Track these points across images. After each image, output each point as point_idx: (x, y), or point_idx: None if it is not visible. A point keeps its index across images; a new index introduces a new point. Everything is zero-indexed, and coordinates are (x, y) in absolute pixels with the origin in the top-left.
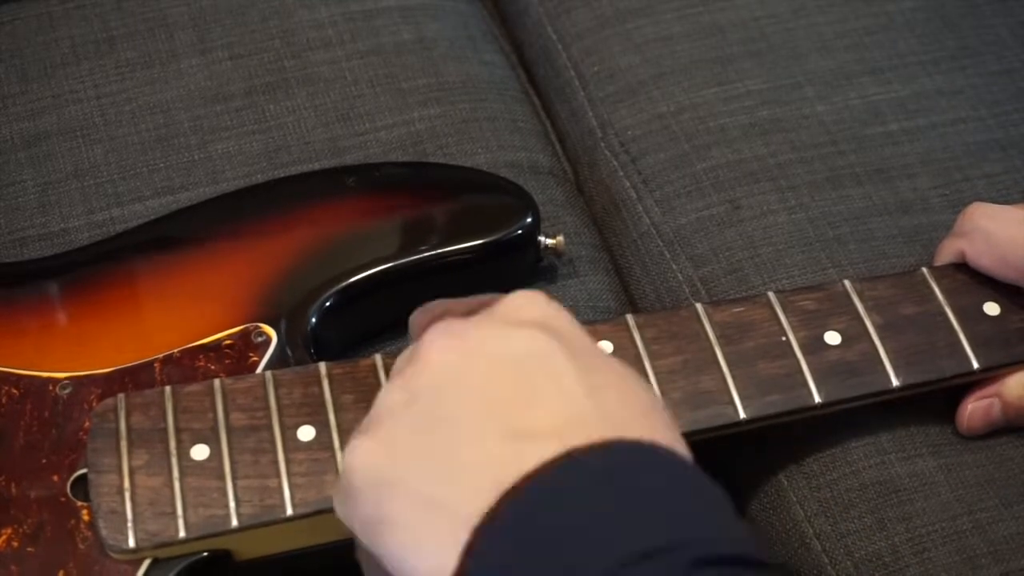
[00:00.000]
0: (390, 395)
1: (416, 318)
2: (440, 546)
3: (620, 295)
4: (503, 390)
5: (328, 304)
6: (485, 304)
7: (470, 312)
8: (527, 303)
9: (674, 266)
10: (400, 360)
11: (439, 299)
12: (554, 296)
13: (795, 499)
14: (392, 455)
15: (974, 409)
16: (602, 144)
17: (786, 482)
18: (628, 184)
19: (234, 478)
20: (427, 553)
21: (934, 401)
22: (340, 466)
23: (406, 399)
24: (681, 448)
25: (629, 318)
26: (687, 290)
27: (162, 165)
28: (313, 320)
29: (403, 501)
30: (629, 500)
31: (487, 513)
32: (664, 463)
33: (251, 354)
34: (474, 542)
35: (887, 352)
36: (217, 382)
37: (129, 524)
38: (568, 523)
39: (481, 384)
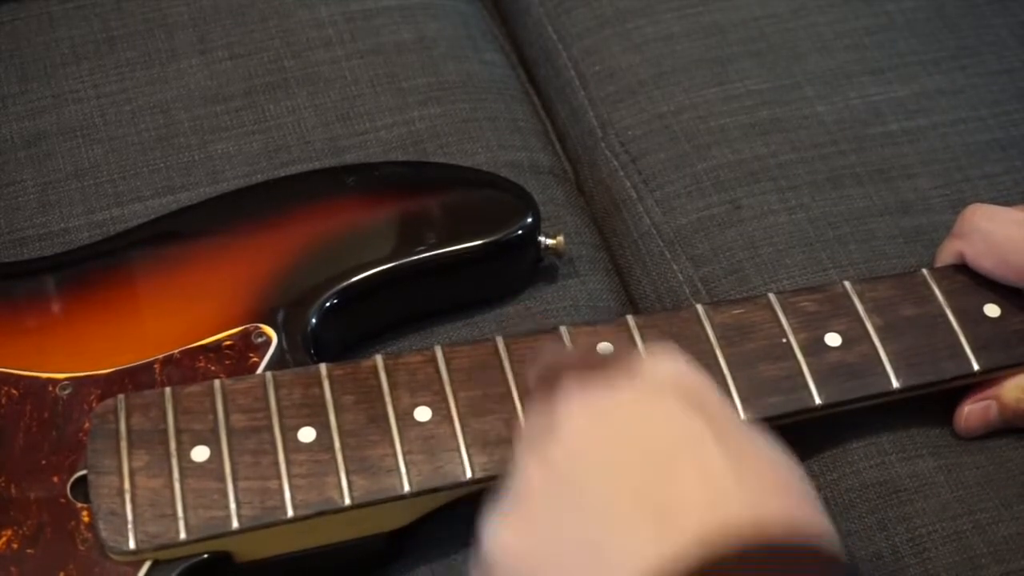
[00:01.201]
0: (529, 473)
1: (533, 374)
2: None
3: (620, 295)
4: (646, 471)
5: (328, 304)
6: (613, 362)
7: (589, 363)
8: (667, 369)
9: (674, 266)
10: (532, 424)
11: (549, 346)
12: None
13: None
14: (531, 540)
15: (971, 411)
16: (602, 144)
17: None
18: (628, 184)
19: (234, 479)
20: None
21: (934, 402)
22: (480, 545)
23: (544, 479)
24: (822, 525)
25: (630, 319)
26: (687, 290)
27: (162, 165)
28: (313, 321)
29: None
30: None
31: None
32: (808, 563)
33: (251, 355)
34: None
35: (887, 354)
36: (217, 383)
37: (129, 526)
38: None
39: (624, 467)
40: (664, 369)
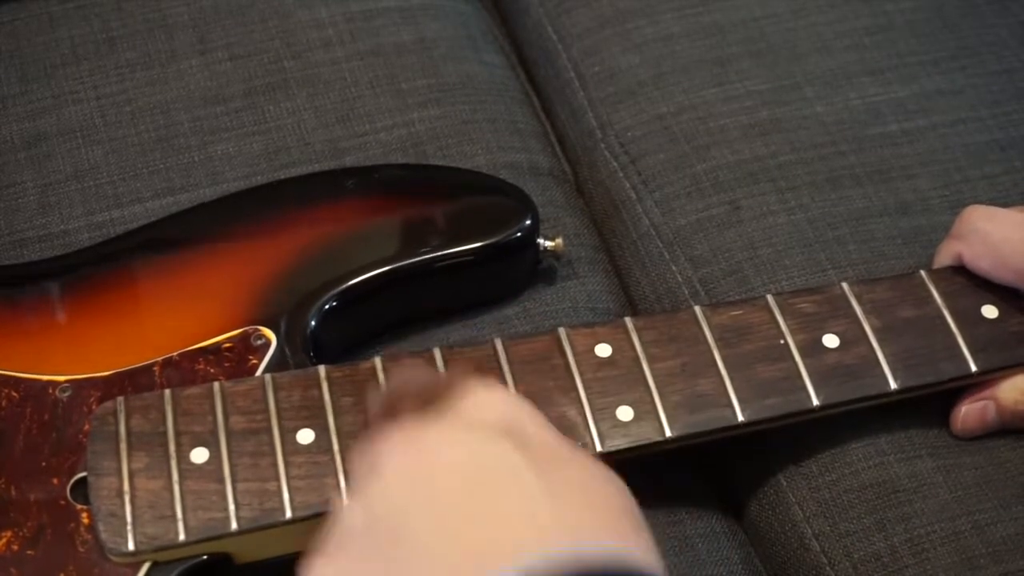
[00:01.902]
0: (350, 515)
1: (372, 400)
2: None
3: (619, 296)
4: (464, 509)
5: (327, 307)
6: (442, 393)
7: (426, 397)
8: (487, 402)
9: (673, 267)
10: (356, 463)
11: (397, 371)
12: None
13: (794, 500)
14: None
15: (968, 411)
16: (602, 145)
17: (785, 483)
18: (628, 185)
19: (233, 481)
20: None
21: (932, 403)
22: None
23: (365, 521)
24: (646, 555)
25: (628, 321)
26: (686, 291)
27: (162, 166)
28: (312, 323)
29: None
30: None
31: None
32: None
33: (250, 357)
34: None
35: (885, 355)
36: (216, 385)
37: (129, 527)
38: None
39: (440, 503)
40: (485, 403)
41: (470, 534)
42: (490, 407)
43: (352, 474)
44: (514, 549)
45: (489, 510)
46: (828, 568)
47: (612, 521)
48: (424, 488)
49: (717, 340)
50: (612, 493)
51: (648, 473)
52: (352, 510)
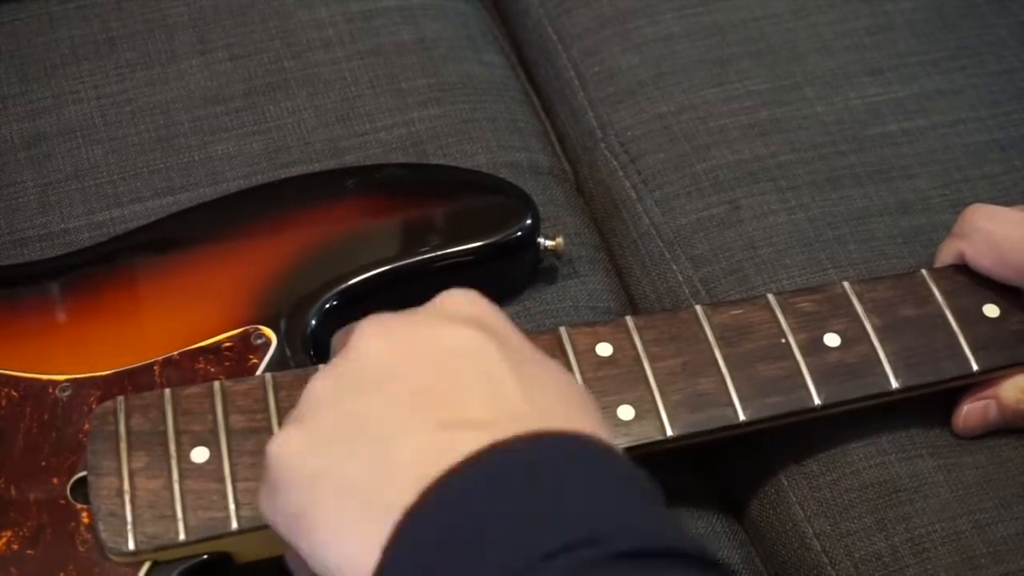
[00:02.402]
0: (319, 386)
1: (340, 335)
2: (363, 538)
3: (620, 295)
4: (434, 383)
5: (328, 306)
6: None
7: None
8: (462, 299)
9: (674, 266)
10: (336, 337)
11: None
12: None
13: (795, 499)
14: (319, 446)
15: (970, 410)
16: (602, 144)
17: (786, 482)
18: (628, 184)
19: (234, 480)
20: (349, 545)
21: (933, 402)
22: (267, 462)
23: (335, 390)
24: (601, 431)
25: (629, 320)
26: (687, 290)
27: (162, 166)
28: (313, 322)
29: (328, 493)
30: (553, 492)
31: (411, 504)
32: (591, 455)
33: (251, 356)
34: (396, 534)
35: (886, 354)
36: (217, 384)
37: (129, 527)
38: (490, 514)
39: (411, 376)
40: (458, 299)
41: (442, 407)
42: (465, 303)
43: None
44: (481, 418)
45: (462, 387)
46: (829, 567)
47: (577, 407)
48: (396, 362)
49: (718, 339)
50: (574, 386)
51: (648, 472)
52: (323, 382)
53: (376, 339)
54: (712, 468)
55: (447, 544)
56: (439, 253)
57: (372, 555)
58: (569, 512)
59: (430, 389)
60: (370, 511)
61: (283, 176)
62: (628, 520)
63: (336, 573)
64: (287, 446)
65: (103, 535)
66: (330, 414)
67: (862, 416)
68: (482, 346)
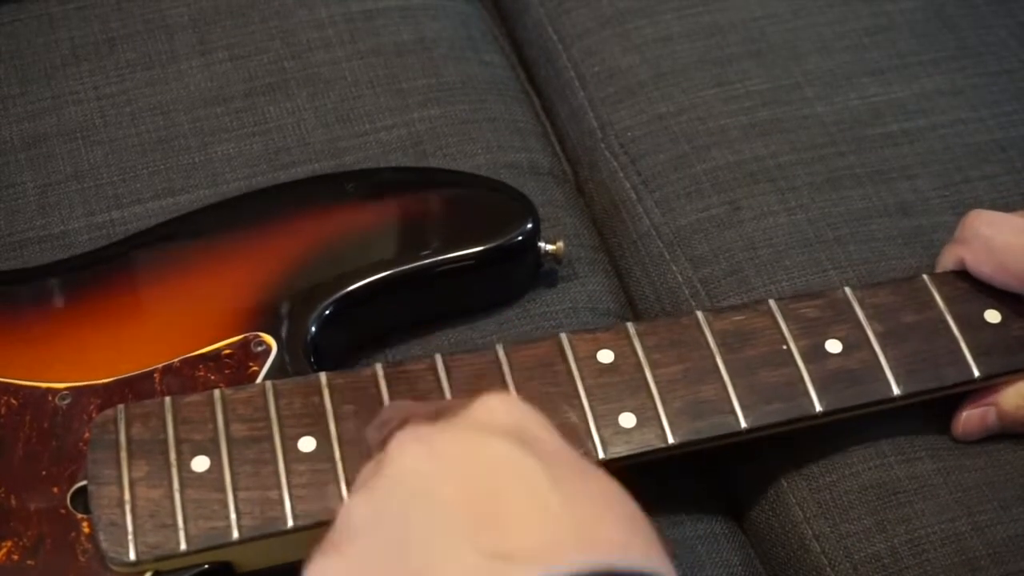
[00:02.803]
0: (356, 510)
1: (373, 432)
2: None
3: (620, 296)
4: (476, 503)
5: (328, 313)
6: (450, 408)
7: (435, 416)
8: (500, 407)
9: (674, 267)
10: (365, 471)
11: (395, 403)
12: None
13: (795, 501)
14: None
15: (969, 416)
16: (602, 145)
17: (786, 484)
18: (628, 185)
19: (235, 489)
20: None
21: (933, 405)
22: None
23: (373, 515)
24: (660, 562)
25: (630, 326)
26: (687, 291)
27: (162, 167)
28: (313, 329)
29: None
30: None
31: None
32: None
33: (251, 364)
34: None
35: (888, 360)
36: (217, 392)
37: (130, 536)
38: None
39: (453, 498)
40: (496, 408)
41: (487, 534)
42: (501, 412)
43: (358, 478)
44: (530, 550)
45: (507, 511)
46: (829, 569)
47: (628, 532)
48: (437, 484)
49: (719, 345)
50: (624, 502)
51: (649, 475)
52: (356, 506)
53: (413, 458)
54: (712, 470)
55: None
56: (439, 258)
57: None
58: None
59: (473, 510)
60: None
61: (283, 177)
62: None
63: None
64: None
65: (104, 545)
66: (370, 542)
67: (862, 419)
68: (525, 462)
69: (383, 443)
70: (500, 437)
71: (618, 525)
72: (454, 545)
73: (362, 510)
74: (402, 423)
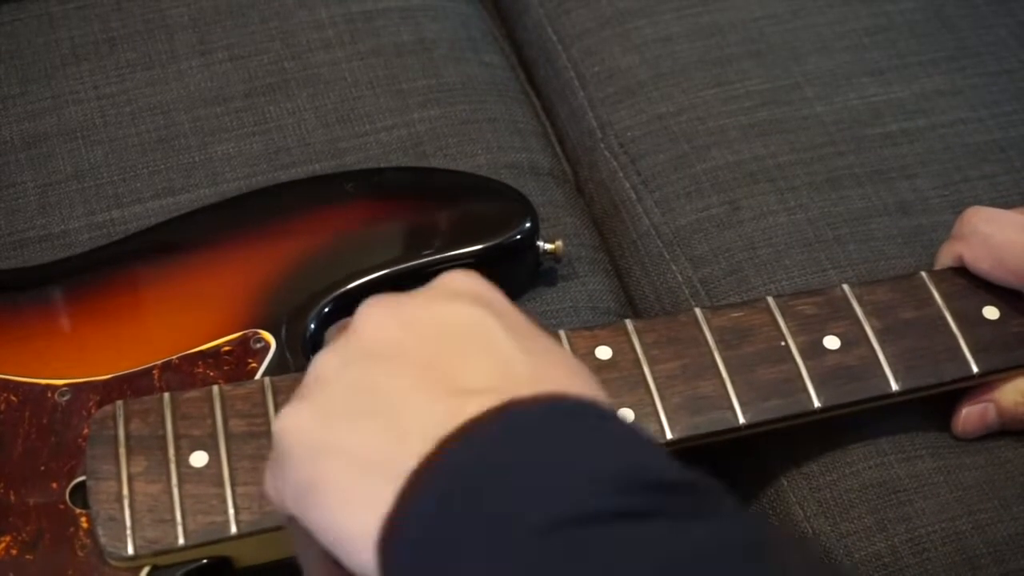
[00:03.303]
0: (324, 360)
1: (331, 329)
2: (374, 504)
3: (620, 296)
4: (439, 355)
5: (327, 310)
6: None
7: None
8: (462, 278)
9: (674, 267)
10: (331, 330)
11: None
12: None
13: (795, 500)
14: (326, 419)
15: (969, 413)
16: (602, 145)
17: (786, 483)
18: (628, 185)
19: (233, 485)
20: (360, 514)
21: (933, 403)
22: (274, 437)
23: (340, 364)
24: (612, 408)
25: (628, 323)
26: (687, 291)
27: (162, 166)
28: (312, 326)
29: (337, 463)
30: (568, 451)
31: (423, 461)
32: (597, 415)
33: (250, 360)
34: (408, 488)
35: (886, 356)
36: (216, 388)
37: (128, 531)
38: (506, 472)
39: (417, 350)
40: (457, 278)
41: (449, 375)
42: (465, 282)
43: (325, 339)
44: (486, 383)
45: (468, 356)
46: None
47: (579, 376)
48: (401, 337)
49: (718, 342)
50: (576, 362)
51: None
52: (328, 357)
53: (380, 316)
54: (712, 468)
55: (460, 499)
56: (438, 257)
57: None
58: (585, 474)
59: (436, 361)
60: (380, 479)
61: (283, 177)
62: (643, 458)
63: (347, 544)
64: (293, 420)
65: (102, 540)
66: (336, 387)
67: (861, 417)
68: (484, 319)
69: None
70: (462, 299)
71: (571, 371)
72: (415, 387)
73: (329, 363)
74: None
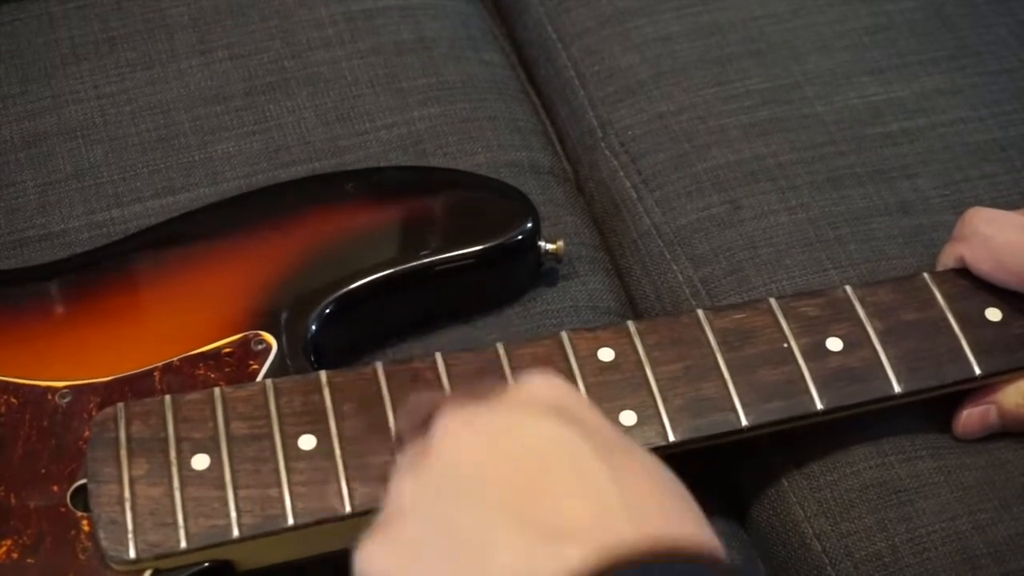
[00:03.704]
0: (404, 492)
1: (402, 420)
2: None
3: (620, 295)
4: (526, 484)
5: (328, 311)
6: (489, 390)
7: (472, 399)
8: (543, 385)
9: (674, 266)
10: (408, 453)
11: (426, 393)
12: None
13: (795, 499)
14: (411, 561)
15: (970, 414)
16: (602, 144)
17: (786, 483)
18: (628, 184)
19: (235, 488)
20: None
21: (934, 404)
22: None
23: (421, 496)
24: (706, 536)
25: (630, 324)
26: (687, 291)
27: (162, 166)
28: (313, 327)
29: None
30: None
31: None
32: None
33: (251, 362)
34: None
35: (889, 358)
36: (217, 391)
37: (129, 534)
38: None
39: (502, 478)
40: (540, 386)
41: (539, 512)
42: (543, 389)
43: (400, 463)
44: (580, 532)
45: (556, 488)
46: (829, 568)
47: (677, 508)
48: (485, 463)
49: (720, 344)
50: (670, 480)
51: None
52: (405, 489)
53: (459, 438)
54: (713, 469)
55: None
56: (439, 257)
57: None
58: None
59: (523, 491)
60: None
61: (283, 175)
62: None
63: None
64: (374, 562)
65: (104, 543)
66: (419, 524)
67: (862, 417)
68: (573, 439)
69: (415, 429)
70: (544, 414)
71: (668, 499)
72: (504, 527)
73: (410, 492)
74: (433, 407)
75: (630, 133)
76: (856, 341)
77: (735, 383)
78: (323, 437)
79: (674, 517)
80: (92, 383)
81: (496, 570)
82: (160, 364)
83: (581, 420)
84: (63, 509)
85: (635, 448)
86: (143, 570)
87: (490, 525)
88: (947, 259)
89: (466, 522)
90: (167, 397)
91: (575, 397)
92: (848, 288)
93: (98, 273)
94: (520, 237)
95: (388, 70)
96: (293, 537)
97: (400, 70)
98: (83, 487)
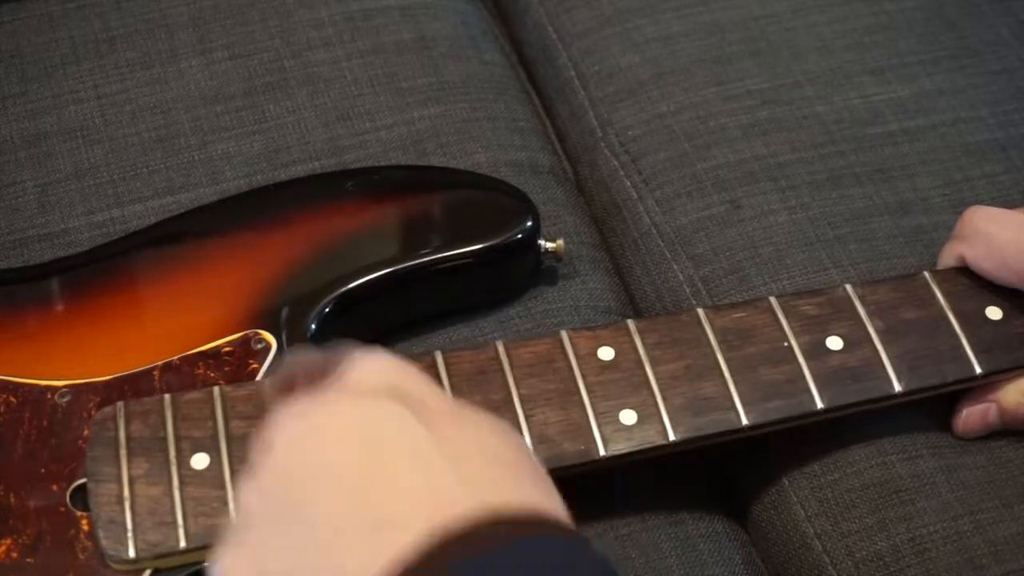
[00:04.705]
0: (246, 497)
1: (266, 387)
2: None
3: (620, 295)
4: (359, 473)
5: (328, 310)
6: (333, 363)
7: (314, 376)
8: (373, 368)
9: (675, 266)
10: (254, 450)
11: (287, 356)
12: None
13: (796, 499)
14: (258, 566)
15: (970, 413)
16: (602, 144)
17: (787, 482)
18: (628, 184)
19: (235, 487)
20: None
21: (934, 403)
22: None
23: (261, 499)
24: (551, 504)
25: (630, 323)
26: (688, 290)
27: (162, 166)
28: (313, 326)
29: None
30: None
31: None
32: (536, 542)
33: (251, 361)
34: None
35: (889, 357)
36: (217, 390)
37: (129, 534)
38: None
39: (335, 470)
40: (368, 369)
41: (371, 503)
42: (375, 373)
43: (248, 462)
44: (417, 515)
45: (386, 477)
46: (830, 568)
47: (512, 477)
48: (315, 459)
49: (720, 343)
50: (508, 447)
51: (650, 473)
52: (247, 492)
53: (290, 436)
54: (714, 468)
55: None
56: (439, 256)
57: None
58: None
59: (358, 478)
60: None
61: (283, 175)
62: None
63: None
64: (227, 569)
65: (103, 542)
66: (262, 528)
67: (863, 417)
68: (403, 420)
69: (272, 399)
70: (374, 397)
71: (506, 470)
72: (340, 520)
73: (254, 498)
74: (289, 379)
75: (630, 133)
76: (856, 340)
77: (735, 382)
78: None
79: (510, 486)
80: (91, 382)
81: (338, 563)
82: (160, 363)
83: (413, 397)
84: (62, 508)
85: (471, 419)
86: (143, 569)
87: (325, 523)
88: (947, 258)
89: (306, 525)
90: (167, 396)
91: (406, 375)
92: (848, 287)
93: (97, 272)
94: (520, 236)
95: (388, 70)
96: None
97: (400, 70)
98: (83, 486)
